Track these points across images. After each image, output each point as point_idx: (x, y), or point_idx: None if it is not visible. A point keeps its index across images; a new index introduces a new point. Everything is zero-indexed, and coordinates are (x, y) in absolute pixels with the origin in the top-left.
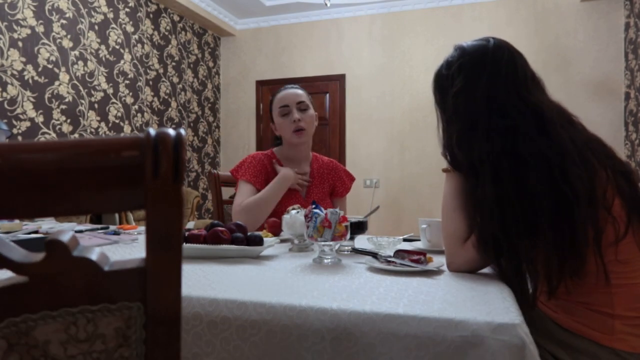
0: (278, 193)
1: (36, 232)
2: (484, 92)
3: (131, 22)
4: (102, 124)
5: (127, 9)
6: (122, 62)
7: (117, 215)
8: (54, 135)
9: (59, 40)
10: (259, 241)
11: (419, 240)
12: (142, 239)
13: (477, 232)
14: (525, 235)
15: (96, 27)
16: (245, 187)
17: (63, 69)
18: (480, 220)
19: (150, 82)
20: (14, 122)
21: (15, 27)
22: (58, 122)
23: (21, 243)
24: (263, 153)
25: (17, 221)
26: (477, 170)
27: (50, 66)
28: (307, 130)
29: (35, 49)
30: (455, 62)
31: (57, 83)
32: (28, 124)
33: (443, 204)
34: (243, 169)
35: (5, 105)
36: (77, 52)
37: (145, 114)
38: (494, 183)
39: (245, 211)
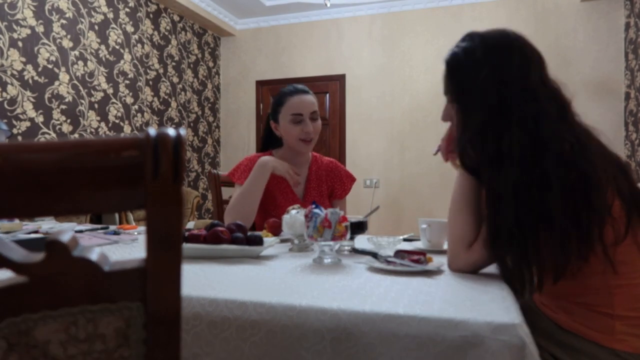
0: (257, 182)
1: (36, 232)
2: (517, 77)
3: (131, 22)
4: (102, 124)
5: (127, 9)
6: (122, 62)
7: (117, 215)
8: (54, 135)
9: (59, 40)
10: (259, 241)
11: (419, 240)
12: (142, 239)
13: (499, 219)
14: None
15: (96, 27)
16: (238, 190)
17: (63, 69)
18: (502, 209)
19: (150, 82)
20: (14, 122)
21: (15, 27)
22: (58, 122)
23: (21, 243)
24: (259, 155)
25: (17, 221)
26: (503, 158)
27: (50, 66)
28: (315, 139)
29: (35, 49)
30: (477, 49)
31: (57, 83)
32: (28, 124)
33: (452, 202)
34: (239, 172)
35: (5, 105)
36: (77, 52)
37: (145, 114)
38: (521, 168)
39: (231, 209)
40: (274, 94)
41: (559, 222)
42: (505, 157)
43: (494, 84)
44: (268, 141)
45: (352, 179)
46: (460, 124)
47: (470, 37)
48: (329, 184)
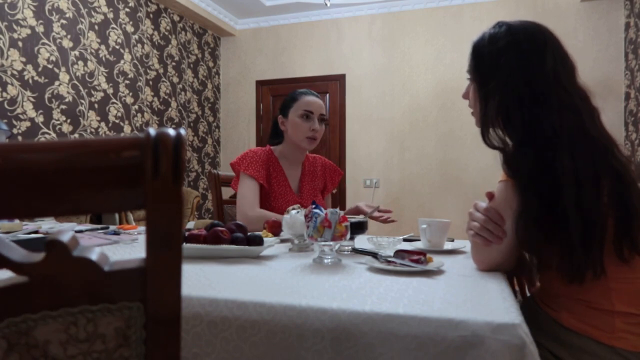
0: None
1: (36, 232)
2: (546, 69)
3: (131, 22)
4: (102, 124)
5: (127, 9)
6: (122, 62)
7: (117, 215)
8: (54, 135)
9: (59, 40)
10: (259, 241)
11: (419, 240)
12: (142, 239)
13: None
14: (597, 210)
15: (96, 27)
16: (249, 181)
17: (63, 69)
18: (558, 193)
19: (150, 82)
20: (14, 122)
21: (15, 27)
22: (58, 122)
23: (21, 243)
24: (262, 149)
25: (17, 221)
26: (551, 144)
27: (50, 66)
28: (318, 140)
29: (35, 49)
30: (502, 36)
31: (57, 83)
32: (28, 124)
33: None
34: (246, 162)
35: (5, 105)
36: (77, 52)
37: (145, 114)
38: (571, 156)
39: (256, 219)
40: (274, 94)
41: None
42: (552, 141)
43: (523, 72)
44: (275, 136)
45: (340, 173)
46: (480, 104)
47: (499, 25)
48: (322, 179)
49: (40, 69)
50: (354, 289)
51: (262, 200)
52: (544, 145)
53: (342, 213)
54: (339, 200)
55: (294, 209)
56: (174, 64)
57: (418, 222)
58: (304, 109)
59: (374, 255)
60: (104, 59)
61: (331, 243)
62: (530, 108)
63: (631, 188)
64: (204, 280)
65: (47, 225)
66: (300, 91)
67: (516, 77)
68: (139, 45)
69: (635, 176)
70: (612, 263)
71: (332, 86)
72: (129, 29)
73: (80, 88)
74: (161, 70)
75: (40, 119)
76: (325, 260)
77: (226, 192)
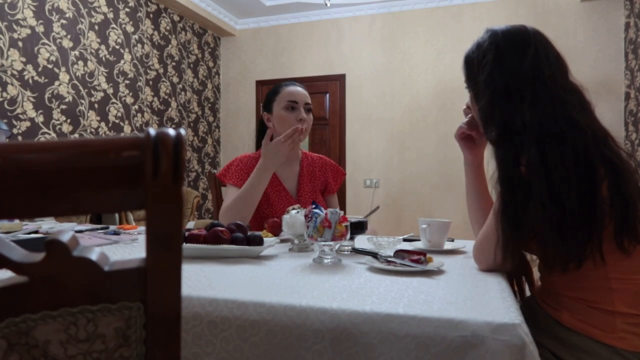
0: (258, 186)
1: (36, 232)
2: (527, 67)
3: (131, 22)
4: (102, 124)
5: (127, 9)
6: (122, 62)
7: (117, 215)
8: (54, 135)
9: (59, 40)
10: (259, 241)
11: (419, 240)
12: (142, 239)
13: (515, 196)
14: (577, 200)
15: (96, 27)
16: (233, 191)
17: (63, 69)
18: (529, 186)
19: (150, 82)
20: (14, 122)
21: (15, 27)
22: (58, 122)
23: (21, 243)
24: (250, 155)
25: (17, 221)
26: (522, 136)
27: (50, 66)
28: (307, 131)
29: (35, 49)
30: (486, 41)
31: (57, 83)
32: (28, 124)
33: (469, 201)
34: (230, 172)
35: (5, 105)
36: (77, 52)
37: (145, 114)
38: (540, 148)
39: (229, 210)
40: None
41: (573, 206)
42: (522, 134)
43: (500, 71)
44: (261, 138)
45: (343, 173)
46: (474, 110)
47: (486, 31)
48: (323, 179)
49: (40, 69)
50: (354, 289)
51: (259, 207)
52: (515, 140)
53: (342, 213)
54: (339, 200)
55: (294, 208)
56: (174, 64)
57: (418, 222)
58: (287, 99)
59: (374, 255)
60: (104, 59)
61: (331, 243)
62: (505, 105)
63: (626, 177)
64: (204, 280)
65: (47, 225)
66: (281, 83)
67: (494, 75)
68: (139, 45)
69: (632, 168)
70: (613, 256)
71: (332, 86)
72: (129, 29)
73: (80, 88)
74: (161, 70)
75: (40, 119)
76: (325, 260)
77: (226, 193)
